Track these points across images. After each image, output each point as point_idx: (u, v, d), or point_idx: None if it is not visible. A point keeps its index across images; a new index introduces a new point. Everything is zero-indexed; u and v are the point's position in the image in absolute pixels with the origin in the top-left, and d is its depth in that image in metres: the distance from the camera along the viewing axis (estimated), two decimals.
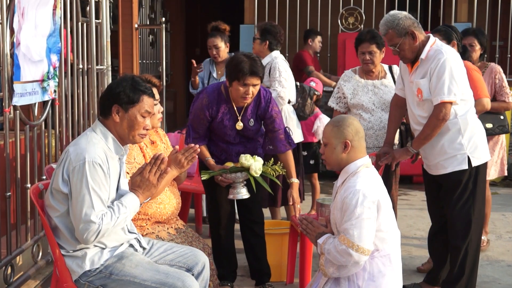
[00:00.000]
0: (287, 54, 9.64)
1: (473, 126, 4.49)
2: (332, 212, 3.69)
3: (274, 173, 4.48)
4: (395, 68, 5.40)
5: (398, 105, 4.78)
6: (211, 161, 4.64)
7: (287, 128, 4.74)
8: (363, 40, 5.30)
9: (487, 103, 5.33)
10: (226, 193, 4.60)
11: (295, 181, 4.69)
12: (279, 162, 4.57)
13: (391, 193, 5.46)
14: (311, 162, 6.57)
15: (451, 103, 4.36)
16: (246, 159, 4.40)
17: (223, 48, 6.36)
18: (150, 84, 3.98)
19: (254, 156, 4.46)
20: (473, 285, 4.58)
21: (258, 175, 4.41)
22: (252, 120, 4.64)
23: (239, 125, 4.62)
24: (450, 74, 4.33)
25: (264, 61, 5.80)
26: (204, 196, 6.50)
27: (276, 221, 5.77)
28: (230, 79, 4.49)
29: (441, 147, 4.49)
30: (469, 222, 4.47)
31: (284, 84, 5.80)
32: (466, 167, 4.45)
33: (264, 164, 4.49)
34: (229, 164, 4.49)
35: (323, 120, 6.49)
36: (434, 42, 4.46)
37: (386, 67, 5.50)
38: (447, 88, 4.33)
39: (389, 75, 5.44)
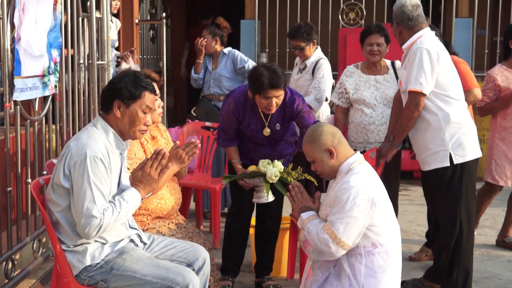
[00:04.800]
0: (287, 50, 9.64)
1: (459, 123, 4.45)
2: (322, 208, 3.67)
3: (291, 179, 4.28)
4: (398, 63, 5.40)
5: (400, 101, 4.78)
6: (237, 164, 4.66)
7: (318, 122, 4.57)
8: (372, 31, 5.32)
9: (478, 93, 5.33)
10: (248, 190, 4.58)
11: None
12: (299, 167, 4.41)
13: (391, 188, 5.47)
14: None
15: (419, 93, 4.35)
16: (263, 165, 4.34)
17: (209, 41, 6.69)
18: (149, 79, 3.97)
19: (274, 161, 4.37)
20: (469, 282, 4.56)
21: (276, 181, 4.34)
22: (278, 124, 4.62)
23: (267, 131, 4.63)
24: (420, 63, 4.33)
25: (311, 59, 5.95)
26: (204, 192, 6.51)
27: None
28: (252, 92, 4.47)
29: (424, 143, 4.50)
30: (455, 221, 4.46)
31: (322, 87, 5.80)
32: (448, 164, 4.43)
33: (285, 169, 4.36)
34: (252, 168, 4.46)
35: None
36: (423, 35, 4.45)
37: (388, 62, 5.50)
38: (414, 77, 4.34)
39: (391, 70, 5.44)
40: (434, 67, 4.35)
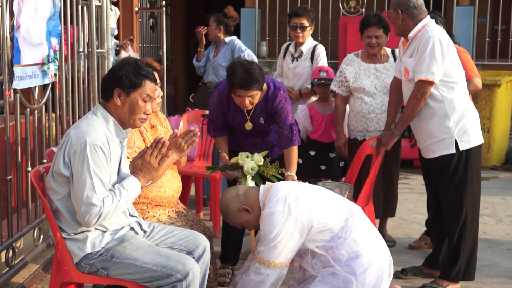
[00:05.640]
0: (287, 38, 9.62)
1: (463, 109, 4.46)
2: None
3: (269, 173, 4.36)
4: (398, 51, 5.38)
5: (397, 88, 4.77)
6: (224, 153, 4.67)
7: (293, 125, 4.58)
8: (370, 24, 5.29)
9: (479, 82, 5.33)
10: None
11: (289, 174, 4.50)
12: (276, 162, 4.49)
13: (391, 177, 5.48)
14: (341, 164, 5.76)
15: (429, 82, 4.35)
16: (242, 158, 4.35)
17: (212, 28, 6.69)
18: (151, 68, 3.97)
19: (254, 154, 4.39)
20: (472, 269, 4.60)
21: (253, 174, 4.35)
22: (262, 118, 4.61)
23: (248, 125, 4.62)
24: (432, 52, 4.32)
25: (307, 46, 6.03)
26: (204, 180, 6.52)
27: None
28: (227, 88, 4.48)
29: (429, 131, 4.50)
30: (461, 207, 4.48)
31: None
32: (453, 151, 4.45)
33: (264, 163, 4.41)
34: (234, 160, 4.47)
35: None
36: (427, 23, 4.44)
37: (389, 50, 5.48)
38: (426, 67, 4.33)
39: (391, 59, 5.43)
40: (445, 56, 4.36)
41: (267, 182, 3.94)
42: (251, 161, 4.33)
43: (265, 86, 4.51)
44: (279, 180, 4.35)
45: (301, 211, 3.65)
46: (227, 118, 4.67)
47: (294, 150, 4.57)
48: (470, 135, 4.48)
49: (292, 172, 4.51)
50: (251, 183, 4.37)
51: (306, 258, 3.78)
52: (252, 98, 4.38)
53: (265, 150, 4.58)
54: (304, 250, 3.76)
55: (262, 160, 4.37)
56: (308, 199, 3.73)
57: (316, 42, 6.12)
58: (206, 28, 6.70)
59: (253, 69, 4.33)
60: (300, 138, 4.88)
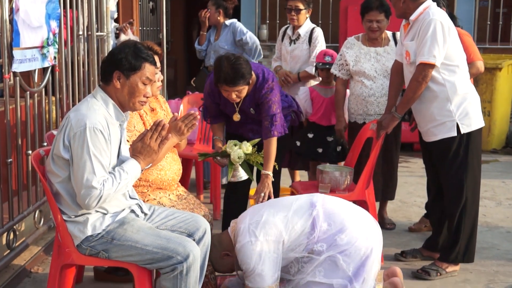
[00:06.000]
0: (288, 22, 9.58)
1: (464, 93, 4.46)
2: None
3: (255, 162, 4.34)
4: (399, 35, 5.37)
5: (398, 71, 4.77)
6: (218, 141, 4.67)
7: (275, 116, 4.50)
8: (371, 8, 5.26)
9: (481, 65, 5.32)
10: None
11: (265, 173, 4.44)
12: (263, 151, 4.45)
13: (391, 160, 5.49)
14: (338, 149, 5.69)
15: (431, 65, 4.34)
16: (229, 147, 4.33)
17: (212, 12, 6.67)
18: (151, 51, 3.96)
19: (243, 142, 4.35)
20: (472, 251, 4.62)
21: (240, 163, 4.32)
22: (252, 108, 4.59)
23: (237, 116, 4.62)
24: (433, 35, 4.31)
25: (304, 28, 6.03)
26: (204, 163, 6.53)
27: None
28: None
29: (430, 114, 4.50)
30: (461, 190, 4.49)
31: None
32: (455, 134, 4.45)
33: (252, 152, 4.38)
34: (224, 148, 4.45)
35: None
36: (429, 6, 4.43)
37: (389, 34, 5.47)
38: (427, 49, 4.32)
39: (392, 42, 5.42)
40: (446, 39, 4.35)
41: (232, 221, 3.96)
42: (238, 150, 4.29)
43: (254, 77, 4.48)
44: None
45: (267, 231, 3.71)
46: (220, 106, 4.68)
47: (273, 143, 4.49)
48: (471, 118, 4.48)
49: (268, 170, 4.46)
50: (241, 171, 4.36)
51: (293, 269, 3.84)
52: (238, 92, 4.36)
53: (261, 137, 4.55)
54: (290, 263, 3.81)
55: (251, 148, 4.32)
56: (268, 217, 3.77)
57: (314, 25, 6.10)
58: (209, 11, 6.69)
59: (239, 65, 4.28)
60: (296, 118, 4.87)
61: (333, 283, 3.69)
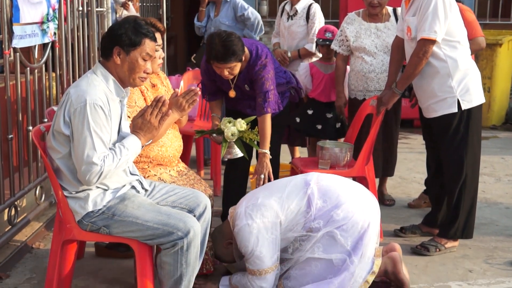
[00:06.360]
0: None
1: (465, 69, 4.46)
2: None
3: (249, 139, 4.29)
4: (399, 10, 5.35)
5: (399, 47, 4.75)
6: (215, 118, 4.67)
7: (269, 93, 4.48)
8: None
9: (482, 41, 5.30)
10: None
11: (262, 151, 4.42)
12: (256, 127, 4.40)
13: (391, 137, 5.49)
14: (337, 125, 5.70)
15: (432, 40, 4.34)
16: (224, 124, 4.29)
17: None
18: (154, 28, 3.96)
19: (238, 119, 4.30)
20: (471, 227, 4.64)
21: (234, 140, 4.28)
22: (247, 85, 4.58)
23: (232, 93, 4.60)
24: (434, 11, 4.29)
25: (302, 4, 6.02)
26: (205, 139, 6.54)
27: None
28: None
29: (431, 90, 4.50)
30: (461, 166, 4.50)
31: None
32: (455, 110, 4.45)
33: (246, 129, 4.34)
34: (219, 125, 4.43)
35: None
36: None
37: (390, 9, 5.45)
38: (428, 25, 4.31)
39: (393, 18, 5.40)
40: (448, 15, 4.33)
41: (230, 208, 3.99)
42: (232, 127, 4.26)
43: (247, 53, 4.45)
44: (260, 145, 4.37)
45: (263, 213, 3.75)
46: (216, 83, 4.67)
47: (266, 120, 4.46)
48: (472, 94, 4.48)
49: (265, 148, 4.43)
50: (236, 148, 4.36)
51: (291, 248, 3.87)
52: (231, 69, 4.33)
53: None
54: (290, 243, 3.84)
55: (245, 126, 4.28)
56: (264, 199, 3.80)
57: (311, 1, 6.07)
58: None
59: (231, 42, 4.25)
60: (296, 94, 4.86)
61: (332, 258, 3.72)
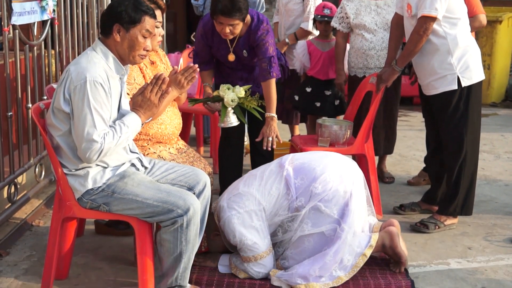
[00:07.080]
0: None
1: (465, 46, 4.45)
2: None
3: (250, 105, 4.29)
4: None
5: (398, 24, 4.73)
6: (207, 87, 4.66)
7: (274, 58, 4.50)
8: None
9: (483, 19, 5.28)
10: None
11: (270, 115, 4.47)
12: (257, 94, 4.40)
13: (391, 114, 5.49)
14: (336, 102, 5.70)
15: (432, 18, 4.32)
16: (223, 90, 4.29)
17: None
18: (155, 5, 3.94)
19: (236, 86, 4.31)
20: (470, 204, 4.65)
21: (233, 106, 4.29)
22: (245, 51, 4.56)
23: (232, 56, 4.58)
24: None
25: None
26: (204, 117, 6.53)
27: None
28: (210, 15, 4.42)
29: (431, 68, 4.49)
30: (461, 143, 4.51)
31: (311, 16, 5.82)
32: (456, 87, 4.45)
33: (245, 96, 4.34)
34: (216, 93, 4.43)
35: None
36: None
37: None
38: (429, 2, 4.29)
39: None
40: None
41: (213, 202, 4.00)
42: (231, 93, 4.26)
43: (249, 18, 4.46)
44: (260, 113, 4.36)
45: (244, 203, 3.79)
46: (212, 50, 4.64)
47: (272, 84, 4.50)
48: (472, 71, 4.47)
49: (272, 112, 4.49)
50: (232, 116, 4.34)
51: (280, 231, 3.90)
52: (233, 27, 4.33)
53: (251, 84, 4.55)
54: (278, 227, 3.88)
55: (243, 92, 4.29)
56: (244, 188, 3.85)
57: None
58: None
59: None
60: (281, 73, 4.83)
61: (323, 230, 3.76)
